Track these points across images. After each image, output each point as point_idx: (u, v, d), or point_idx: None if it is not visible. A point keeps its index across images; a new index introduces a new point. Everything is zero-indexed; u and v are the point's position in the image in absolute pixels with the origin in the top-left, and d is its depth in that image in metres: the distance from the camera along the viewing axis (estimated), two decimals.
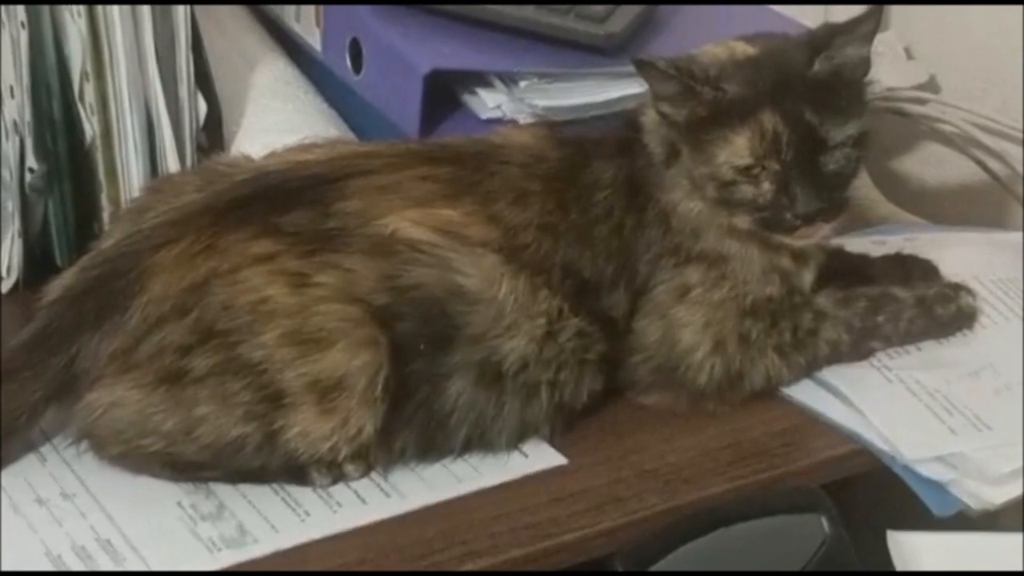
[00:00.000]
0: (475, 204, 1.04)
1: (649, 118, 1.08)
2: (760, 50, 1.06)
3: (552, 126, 1.13)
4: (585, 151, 1.09)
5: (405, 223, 1.02)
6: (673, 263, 1.07)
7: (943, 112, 1.40)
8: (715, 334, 1.08)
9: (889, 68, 1.40)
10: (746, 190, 1.04)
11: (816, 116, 1.04)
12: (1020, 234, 1.29)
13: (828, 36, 1.06)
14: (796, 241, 1.07)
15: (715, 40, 1.12)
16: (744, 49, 1.07)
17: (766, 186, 1.04)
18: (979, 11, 1.41)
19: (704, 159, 1.05)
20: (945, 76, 1.44)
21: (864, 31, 1.06)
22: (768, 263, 1.08)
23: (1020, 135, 1.35)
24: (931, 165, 1.45)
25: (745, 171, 1.04)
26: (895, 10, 1.51)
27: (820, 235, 1.08)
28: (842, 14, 1.40)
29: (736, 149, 1.04)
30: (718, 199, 1.05)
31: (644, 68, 1.05)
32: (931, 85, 1.42)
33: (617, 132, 1.11)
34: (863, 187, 1.36)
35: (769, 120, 1.03)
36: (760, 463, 1.05)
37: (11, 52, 1.15)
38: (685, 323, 1.07)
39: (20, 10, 1.14)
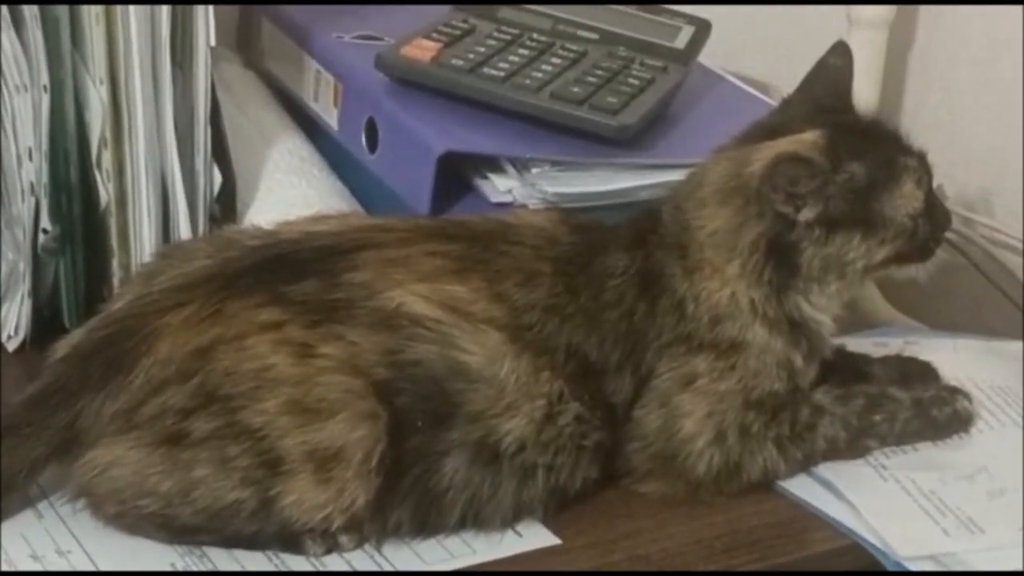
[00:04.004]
0: (483, 281, 1.04)
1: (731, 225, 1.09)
2: (831, 131, 1.09)
3: (567, 211, 1.14)
4: (599, 238, 1.10)
5: (411, 297, 1.02)
6: (683, 351, 1.08)
7: None
8: (717, 424, 1.08)
9: None
10: (924, 226, 1.11)
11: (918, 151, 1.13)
12: (1019, 343, 1.30)
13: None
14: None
15: (725, 136, 1.14)
16: (812, 139, 1.09)
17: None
18: (984, 119, 1.43)
19: (879, 225, 1.09)
20: (949, 184, 1.45)
21: None
22: (784, 357, 1.09)
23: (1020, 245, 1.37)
24: (934, 272, 1.46)
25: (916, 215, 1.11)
26: (905, 120, 1.52)
27: None
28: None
29: (908, 199, 1.10)
30: (890, 257, 1.10)
31: (792, 165, 1.06)
32: (938, 193, 1.43)
33: (634, 223, 1.12)
34: (867, 289, 1.38)
35: (910, 163, 1.11)
36: (753, 553, 1.05)
37: (32, 115, 1.16)
38: (688, 412, 1.08)
39: (44, 74, 1.15)
